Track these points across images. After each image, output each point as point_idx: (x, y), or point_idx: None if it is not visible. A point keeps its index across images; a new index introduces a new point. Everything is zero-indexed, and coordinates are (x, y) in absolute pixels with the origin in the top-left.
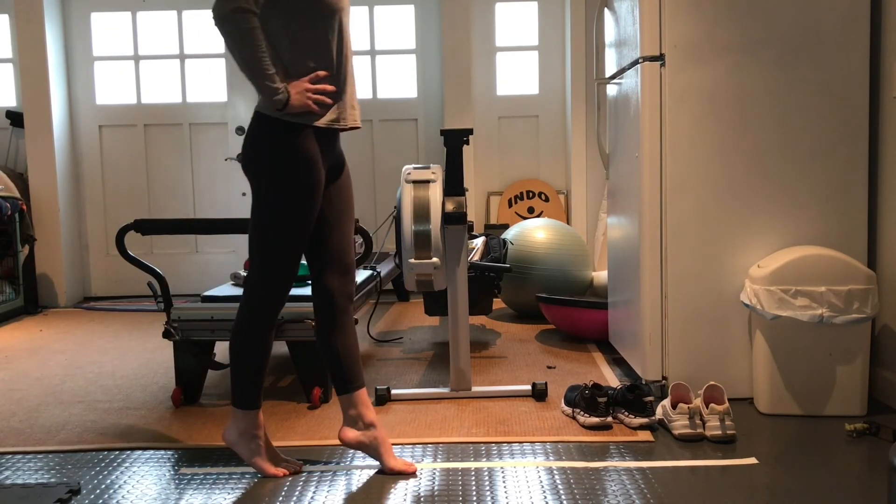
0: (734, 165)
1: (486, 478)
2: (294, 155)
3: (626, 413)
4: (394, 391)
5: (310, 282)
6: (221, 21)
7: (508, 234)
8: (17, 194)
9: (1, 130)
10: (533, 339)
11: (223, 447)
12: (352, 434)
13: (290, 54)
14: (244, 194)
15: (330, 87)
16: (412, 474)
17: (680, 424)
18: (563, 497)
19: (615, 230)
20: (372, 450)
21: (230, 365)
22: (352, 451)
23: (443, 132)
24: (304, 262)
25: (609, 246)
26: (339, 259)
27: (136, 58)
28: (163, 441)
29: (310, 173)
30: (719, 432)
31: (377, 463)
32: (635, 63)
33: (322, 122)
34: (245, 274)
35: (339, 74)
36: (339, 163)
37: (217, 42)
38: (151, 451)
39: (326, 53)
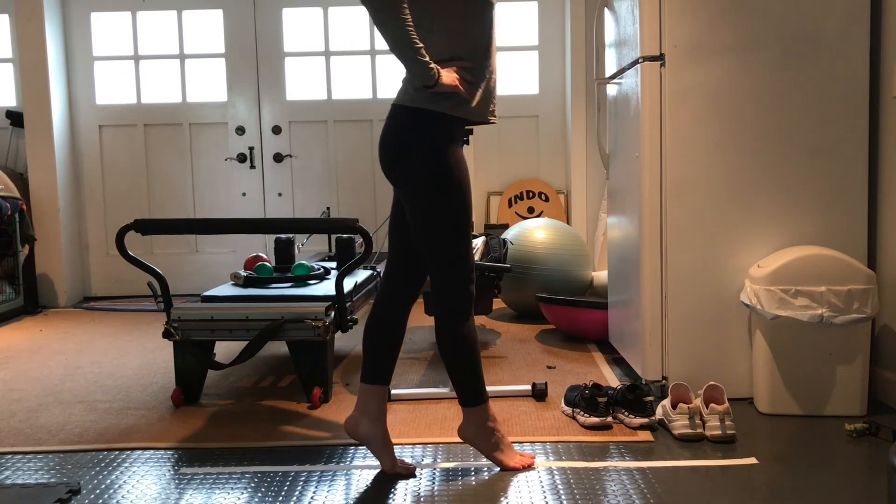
0: (734, 165)
1: (486, 478)
2: (447, 142)
3: (626, 413)
4: (394, 391)
5: (311, 282)
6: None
7: (508, 234)
8: (17, 194)
9: (1, 130)
10: (533, 339)
11: (223, 447)
12: (362, 429)
13: (437, 41)
14: (244, 194)
15: (470, 78)
16: (412, 475)
17: (680, 424)
18: (563, 497)
19: (615, 230)
20: (374, 447)
21: (450, 371)
22: (352, 450)
23: None
24: (304, 262)
25: (609, 246)
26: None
27: (136, 58)
28: (163, 441)
29: (461, 156)
30: (719, 432)
31: (377, 463)
32: (635, 63)
33: (476, 115)
34: (244, 274)
35: (485, 67)
36: None
37: (217, 42)
38: (151, 451)
39: (473, 44)
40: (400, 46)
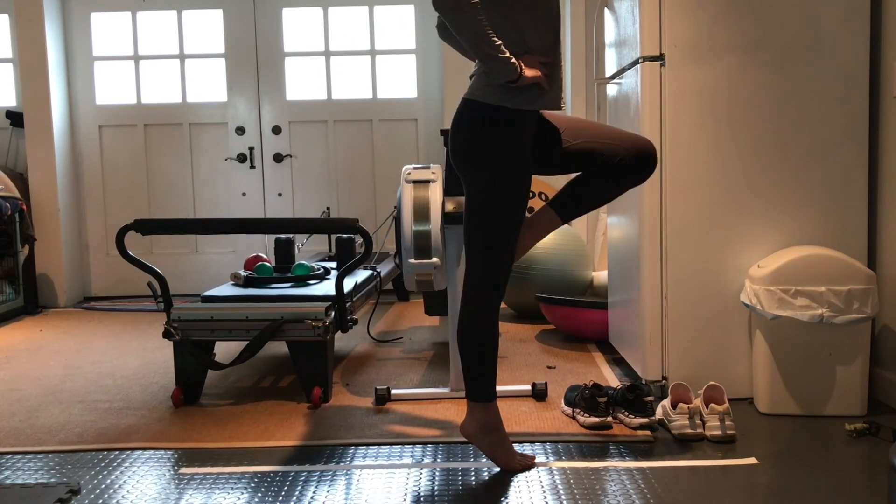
0: (734, 165)
1: (486, 478)
2: (513, 140)
3: (626, 413)
4: (394, 391)
5: (311, 282)
6: (440, 3)
7: None
8: (17, 194)
9: (1, 130)
10: (533, 339)
11: (223, 447)
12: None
13: (511, 35)
14: (244, 194)
15: (546, 71)
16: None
17: (680, 424)
18: (563, 497)
19: (615, 230)
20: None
21: (462, 360)
22: (351, 450)
23: (443, 132)
24: (304, 262)
25: (609, 246)
26: (628, 145)
27: (136, 58)
28: (163, 441)
29: (525, 157)
30: (719, 432)
31: (376, 463)
32: (635, 63)
33: (549, 104)
34: (244, 274)
35: (555, 55)
36: (541, 122)
37: (217, 42)
38: (151, 451)
39: (544, 34)
40: (479, 47)
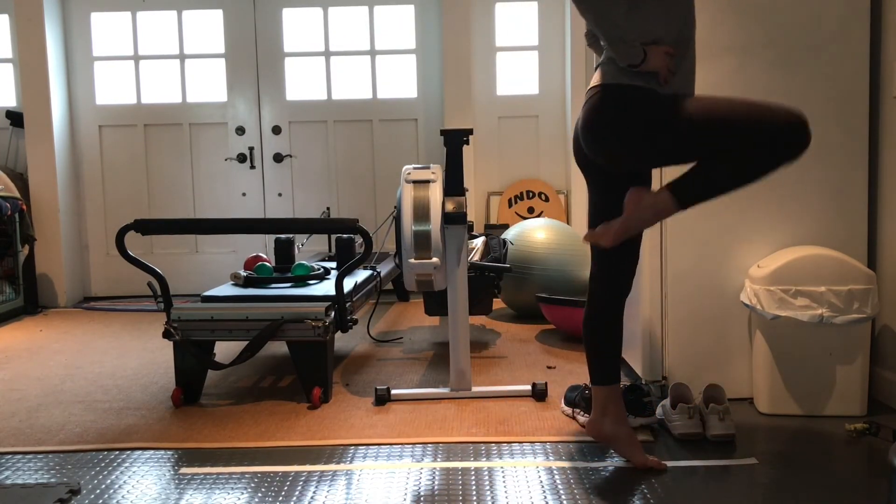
0: None
1: (486, 478)
2: (652, 115)
3: (626, 413)
4: (394, 391)
5: (311, 282)
6: None
7: (508, 234)
8: (17, 194)
9: (1, 130)
10: (533, 339)
11: (223, 447)
12: (606, 429)
13: (637, 21)
14: (244, 194)
15: (673, 68)
16: (664, 470)
17: (680, 424)
18: (563, 497)
19: None
20: (620, 446)
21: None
22: (351, 450)
23: (443, 132)
24: (304, 262)
25: None
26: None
27: (136, 58)
28: (163, 441)
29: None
30: (719, 432)
31: (376, 463)
32: None
33: (676, 91)
34: (244, 274)
35: (687, 45)
36: None
37: (217, 42)
38: (151, 451)
39: (674, 22)
40: (605, 26)
